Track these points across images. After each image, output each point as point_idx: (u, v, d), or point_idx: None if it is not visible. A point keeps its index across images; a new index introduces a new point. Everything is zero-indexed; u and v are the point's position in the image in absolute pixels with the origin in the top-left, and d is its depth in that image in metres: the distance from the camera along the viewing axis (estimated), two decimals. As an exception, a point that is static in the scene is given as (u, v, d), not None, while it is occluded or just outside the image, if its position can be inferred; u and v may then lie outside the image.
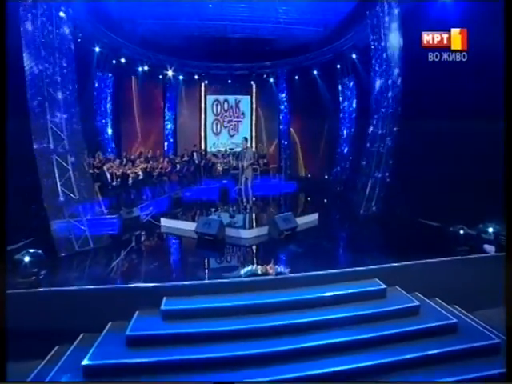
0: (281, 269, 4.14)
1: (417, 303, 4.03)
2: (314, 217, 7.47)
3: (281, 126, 14.59)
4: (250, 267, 4.10)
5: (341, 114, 11.91)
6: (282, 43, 13.03)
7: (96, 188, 6.96)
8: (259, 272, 4.10)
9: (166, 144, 13.71)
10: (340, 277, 4.32)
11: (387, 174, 8.01)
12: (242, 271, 4.06)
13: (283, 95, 14.29)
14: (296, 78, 13.46)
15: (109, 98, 10.52)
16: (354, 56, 10.66)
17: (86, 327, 3.71)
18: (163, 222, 6.80)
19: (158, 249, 5.60)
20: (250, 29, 12.83)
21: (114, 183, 7.21)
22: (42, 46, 5.37)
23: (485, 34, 5.12)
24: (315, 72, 12.64)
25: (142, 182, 8.90)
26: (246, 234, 5.82)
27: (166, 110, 13.56)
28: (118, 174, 7.46)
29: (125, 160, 9.41)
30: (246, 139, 7.46)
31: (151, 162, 9.90)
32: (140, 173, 8.92)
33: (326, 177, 13.17)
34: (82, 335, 3.71)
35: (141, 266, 4.79)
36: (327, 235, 6.51)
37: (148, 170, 9.53)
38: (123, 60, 10.48)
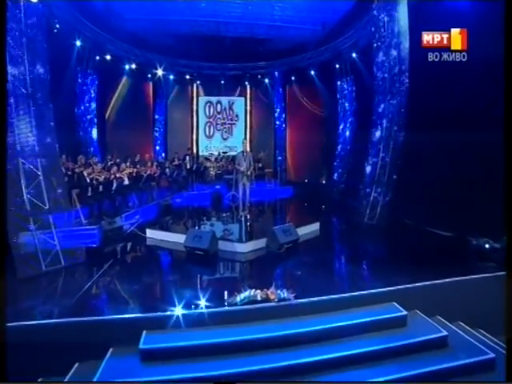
0: (284, 294, 3.49)
1: (444, 333, 3.43)
2: (316, 226, 6.86)
3: (276, 129, 14.01)
4: (247, 293, 3.45)
5: (339, 116, 11.39)
6: (278, 42, 12.51)
7: (74, 195, 6.24)
8: (258, 298, 3.45)
9: (155, 147, 13.00)
10: (352, 302, 3.70)
11: (394, 178, 7.44)
12: (238, 298, 3.41)
13: (279, 96, 13.72)
14: (292, 78, 12.92)
15: (93, 97, 9.75)
16: (354, 55, 10.16)
17: (47, 370, 3.01)
18: (149, 233, 6.09)
19: (141, 267, 4.86)
20: (245, 27, 12.27)
21: (95, 190, 6.48)
22: (9, 34, 4.67)
23: (485, 34, 4.97)
24: (312, 72, 12.12)
25: (128, 188, 8.18)
26: (241, 247, 5.17)
27: (155, 111, 12.86)
28: (99, 179, 6.74)
29: (110, 164, 8.69)
30: (246, 140, 6.72)
31: (138, 166, 9.18)
32: (125, 178, 8.20)
33: (324, 182, 12.64)
34: (40, 380, 3.00)
35: (118, 291, 4.08)
36: (331, 248, 5.90)
37: (135, 174, 8.81)
38: (108, 57, 9.77)
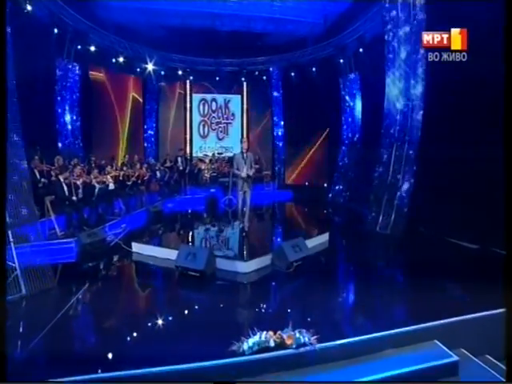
0: (304, 337, 2.72)
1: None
2: (325, 238, 6.11)
3: (274, 129, 13.25)
4: (257, 337, 2.67)
5: (343, 115, 10.69)
6: (277, 37, 11.78)
7: (47, 203, 5.37)
8: (272, 344, 2.67)
9: (145, 148, 12.11)
10: (388, 342, 2.95)
11: (411, 182, 6.73)
12: (246, 344, 2.62)
13: (277, 94, 12.97)
14: (292, 75, 12.17)
15: (76, 91, 8.81)
16: (360, 50, 9.46)
17: None
18: (135, 247, 5.24)
19: (120, 295, 4.01)
20: (241, 20, 11.53)
21: (74, 196, 5.61)
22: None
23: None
24: (314, 69, 11.40)
25: (113, 193, 7.32)
26: (243, 267, 4.38)
27: (145, 108, 11.96)
28: (78, 183, 5.87)
29: (93, 166, 7.82)
30: (247, 138, 5.76)
31: (125, 169, 8.32)
32: (110, 182, 7.34)
33: (326, 185, 11.92)
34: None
35: (87, 334, 3.24)
36: (346, 267, 5.14)
37: (121, 178, 7.95)
38: (92, 48, 8.87)
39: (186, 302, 3.78)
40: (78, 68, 8.82)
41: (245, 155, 5.58)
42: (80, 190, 5.86)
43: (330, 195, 10.84)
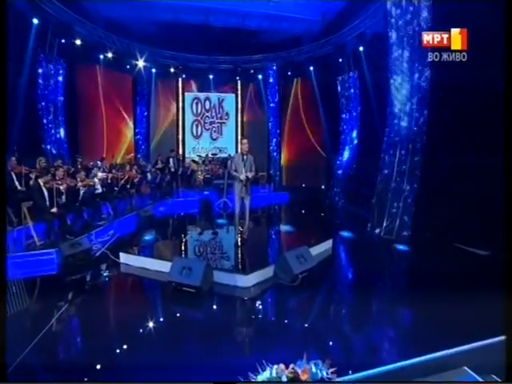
0: (320, 370, 2.31)
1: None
2: (328, 244, 5.75)
3: (270, 129, 12.87)
4: (267, 372, 2.24)
5: (342, 114, 10.37)
6: (273, 34, 11.41)
7: (24, 210, 4.86)
8: (284, 379, 2.26)
9: (135, 149, 11.58)
10: (416, 371, 2.58)
11: (415, 187, 6.44)
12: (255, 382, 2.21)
13: (273, 93, 12.60)
14: (289, 73, 11.82)
15: (61, 88, 8.23)
16: (360, 48, 9.15)
17: None
18: (123, 258, 4.77)
19: (108, 312, 3.58)
20: (236, 16, 11.14)
21: (55, 202, 5.10)
22: None
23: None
24: (311, 67, 11.07)
25: (101, 197, 6.82)
26: (244, 280, 3.96)
27: (135, 107, 11.44)
28: (61, 188, 5.37)
29: (79, 167, 7.29)
30: (247, 139, 5.29)
31: (114, 171, 7.81)
32: (98, 185, 6.84)
33: (323, 187, 11.61)
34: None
35: (69, 360, 2.78)
36: (355, 277, 4.75)
37: (109, 180, 7.45)
38: (78, 42, 8.33)
39: (180, 323, 3.34)
40: (62, 63, 8.25)
41: (244, 157, 5.13)
42: (63, 195, 5.35)
43: (328, 198, 10.50)
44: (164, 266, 4.34)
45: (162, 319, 3.41)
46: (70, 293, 4.00)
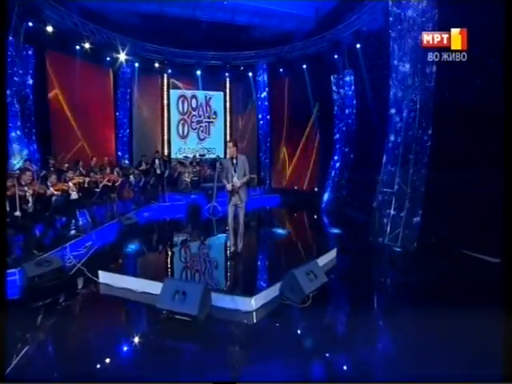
0: None
1: None
2: (332, 254, 5.28)
3: (260, 129, 12.33)
4: None
5: (336, 114, 9.96)
6: (264, 30, 10.88)
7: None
8: None
9: (116, 149, 10.72)
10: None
11: (421, 191, 6.07)
12: None
13: (264, 92, 12.07)
14: (281, 71, 11.31)
15: (29, 79, 7.30)
16: (357, 45, 8.76)
17: None
18: (103, 277, 4.08)
19: (84, 346, 2.90)
20: (225, 11, 10.54)
21: (18, 211, 4.34)
22: None
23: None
24: (304, 65, 10.61)
25: (77, 203, 6.05)
26: (247, 304, 3.39)
27: (117, 104, 10.59)
28: (28, 194, 4.60)
29: (52, 170, 6.48)
30: (235, 141, 4.71)
31: (92, 174, 7.04)
32: (73, 190, 6.07)
33: (316, 189, 11.18)
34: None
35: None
36: (370, 292, 4.25)
37: (87, 185, 6.68)
38: (50, 28, 7.45)
39: (172, 360, 2.73)
40: (30, 49, 7.29)
41: (234, 161, 4.57)
42: (29, 203, 4.59)
43: (324, 202, 10.07)
44: (152, 287, 3.71)
45: (150, 353, 2.78)
46: (35, 323, 3.30)
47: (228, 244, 4.94)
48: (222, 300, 3.49)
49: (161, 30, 10.11)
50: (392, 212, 6.26)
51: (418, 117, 6.09)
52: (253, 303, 3.44)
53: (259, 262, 5.12)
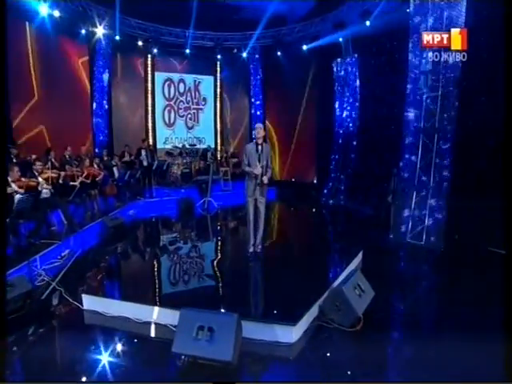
0: None
1: None
2: (358, 258, 4.59)
3: (253, 117, 11.41)
4: None
5: (338, 100, 9.25)
6: (260, 9, 9.89)
7: None
8: None
9: (94, 138, 9.42)
10: None
11: (445, 185, 5.48)
12: None
13: (258, 77, 11.11)
14: (278, 54, 10.39)
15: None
16: (362, 28, 7.97)
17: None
18: (87, 303, 3.07)
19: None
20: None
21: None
22: None
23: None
24: (304, 47, 9.74)
25: (48, 203, 4.95)
26: (288, 334, 2.59)
27: (93, 86, 9.24)
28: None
29: (14, 162, 5.31)
30: (261, 124, 4.25)
31: (68, 167, 5.92)
32: (44, 187, 4.96)
33: (315, 182, 10.51)
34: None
35: None
36: (418, 303, 3.57)
37: (61, 180, 5.56)
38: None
39: None
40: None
41: (259, 147, 3.96)
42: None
43: (324, 195, 9.40)
44: (157, 314, 2.81)
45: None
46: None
47: (247, 245, 4.17)
48: (258, 331, 2.65)
49: (145, 3, 8.88)
50: (413, 207, 5.68)
51: (440, 99, 5.47)
52: (294, 334, 2.64)
53: (286, 270, 3.93)
